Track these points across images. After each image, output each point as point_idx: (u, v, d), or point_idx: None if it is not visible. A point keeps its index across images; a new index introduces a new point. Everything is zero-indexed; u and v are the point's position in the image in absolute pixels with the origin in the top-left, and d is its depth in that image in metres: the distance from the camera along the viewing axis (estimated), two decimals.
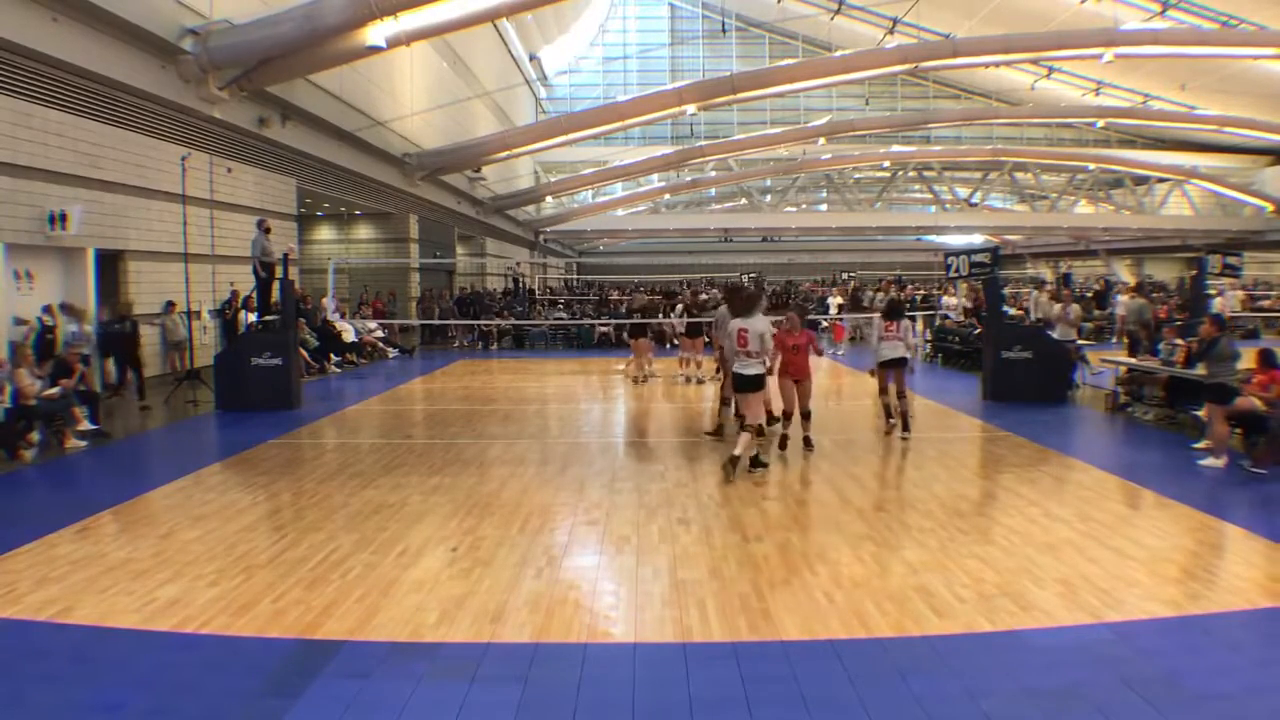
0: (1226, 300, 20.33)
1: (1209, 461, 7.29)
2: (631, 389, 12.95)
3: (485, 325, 21.38)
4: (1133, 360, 10.66)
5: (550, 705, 3.35)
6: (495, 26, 27.70)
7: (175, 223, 12.56)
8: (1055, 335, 11.92)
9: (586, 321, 21.97)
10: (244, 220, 14.57)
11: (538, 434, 9.46)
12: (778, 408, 8.46)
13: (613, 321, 20.61)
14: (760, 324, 6.96)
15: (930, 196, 34.32)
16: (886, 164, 32.67)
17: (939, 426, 9.82)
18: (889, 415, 8.84)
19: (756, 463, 7.14)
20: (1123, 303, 16.04)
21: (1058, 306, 13.27)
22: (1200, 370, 8.03)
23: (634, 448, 8.66)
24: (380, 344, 18.52)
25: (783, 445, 8.11)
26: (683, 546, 5.25)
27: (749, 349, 6.86)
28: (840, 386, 13.41)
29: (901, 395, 8.61)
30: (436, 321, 21.65)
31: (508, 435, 9.29)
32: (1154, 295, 23.65)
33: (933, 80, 41.46)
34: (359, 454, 8.36)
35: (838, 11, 35.97)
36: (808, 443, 8.07)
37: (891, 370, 8.58)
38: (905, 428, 8.67)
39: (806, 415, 8.13)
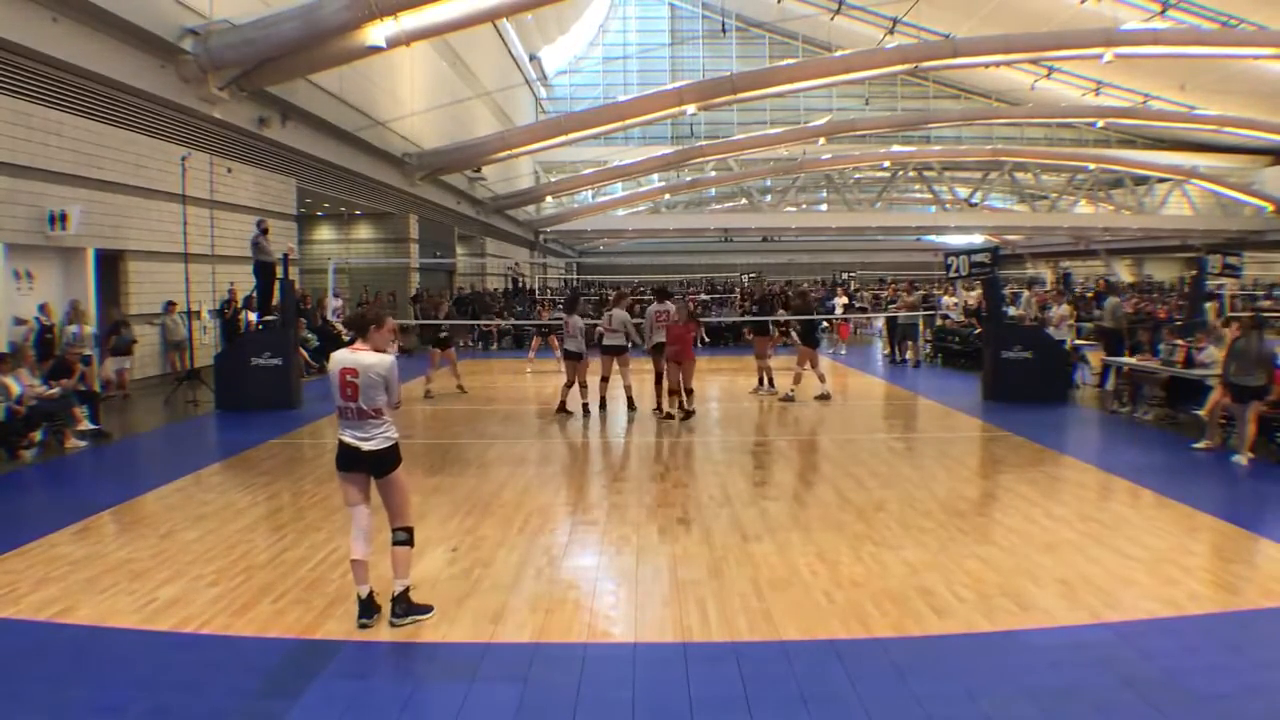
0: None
1: (1201, 444, 7.74)
2: (636, 388, 12.41)
3: (485, 325, 21.37)
4: (1120, 360, 10.72)
5: (550, 705, 3.35)
6: (495, 26, 27.71)
7: (175, 223, 12.55)
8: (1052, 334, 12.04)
9: (586, 321, 21.89)
10: (244, 220, 14.56)
11: (538, 434, 9.46)
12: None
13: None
14: (370, 362, 3.95)
15: (930, 196, 34.33)
16: (886, 164, 32.69)
17: (939, 426, 9.82)
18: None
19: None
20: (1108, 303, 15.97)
21: (1056, 309, 13.27)
22: (1210, 370, 8.15)
23: (634, 448, 8.66)
24: None
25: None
26: (683, 546, 5.25)
27: (358, 403, 3.94)
28: (843, 386, 13.38)
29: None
30: (435, 321, 21.60)
31: (508, 435, 9.29)
32: (1154, 295, 23.53)
33: (933, 80, 41.46)
34: None
35: (838, 11, 35.97)
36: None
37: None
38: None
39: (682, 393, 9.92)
